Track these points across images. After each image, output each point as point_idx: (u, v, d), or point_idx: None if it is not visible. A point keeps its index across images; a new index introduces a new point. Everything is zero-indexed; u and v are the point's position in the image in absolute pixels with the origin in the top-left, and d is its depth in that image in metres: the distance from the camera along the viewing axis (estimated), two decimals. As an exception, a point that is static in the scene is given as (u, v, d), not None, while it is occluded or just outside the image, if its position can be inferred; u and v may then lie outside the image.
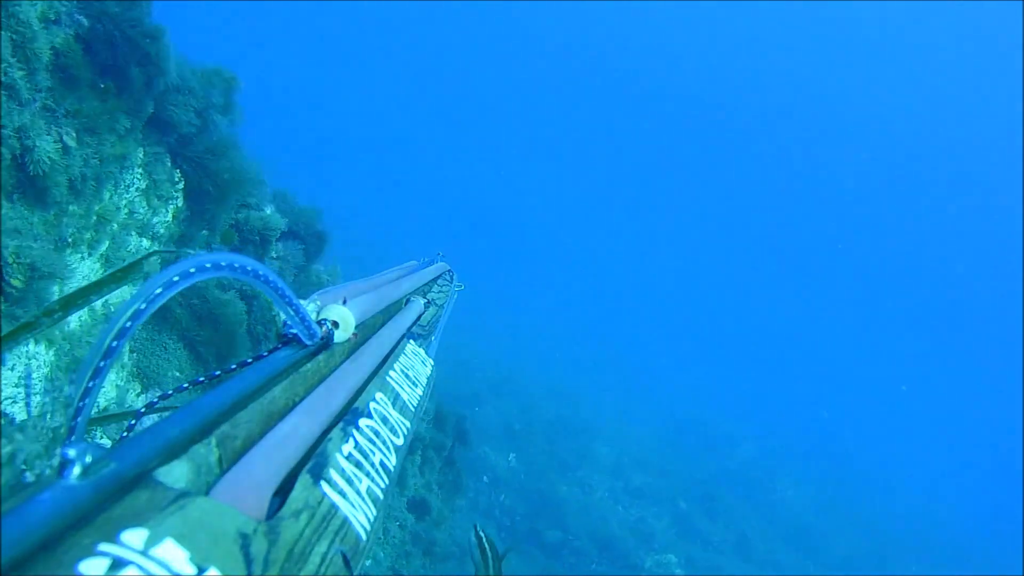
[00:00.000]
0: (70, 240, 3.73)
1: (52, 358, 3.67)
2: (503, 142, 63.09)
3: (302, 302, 1.08)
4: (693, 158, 67.65)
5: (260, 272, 0.85)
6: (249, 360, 1.01)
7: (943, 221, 64.76)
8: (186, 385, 1.03)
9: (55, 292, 3.42)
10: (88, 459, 0.60)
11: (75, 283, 3.81)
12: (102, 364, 0.66)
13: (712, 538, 14.93)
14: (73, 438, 0.65)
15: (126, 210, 4.25)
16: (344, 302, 1.25)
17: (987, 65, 58.40)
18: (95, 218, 3.94)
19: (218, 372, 1.06)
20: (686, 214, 64.81)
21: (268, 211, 5.69)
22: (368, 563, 6.56)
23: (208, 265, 0.74)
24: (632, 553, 12.20)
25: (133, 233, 4.33)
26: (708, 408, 25.67)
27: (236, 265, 0.79)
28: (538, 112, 66.83)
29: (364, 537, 0.84)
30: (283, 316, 1.05)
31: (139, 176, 4.33)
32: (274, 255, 5.81)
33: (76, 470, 0.59)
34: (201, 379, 1.07)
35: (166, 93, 4.26)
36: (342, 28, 58.49)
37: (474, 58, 66.53)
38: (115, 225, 4.14)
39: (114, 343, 0.66)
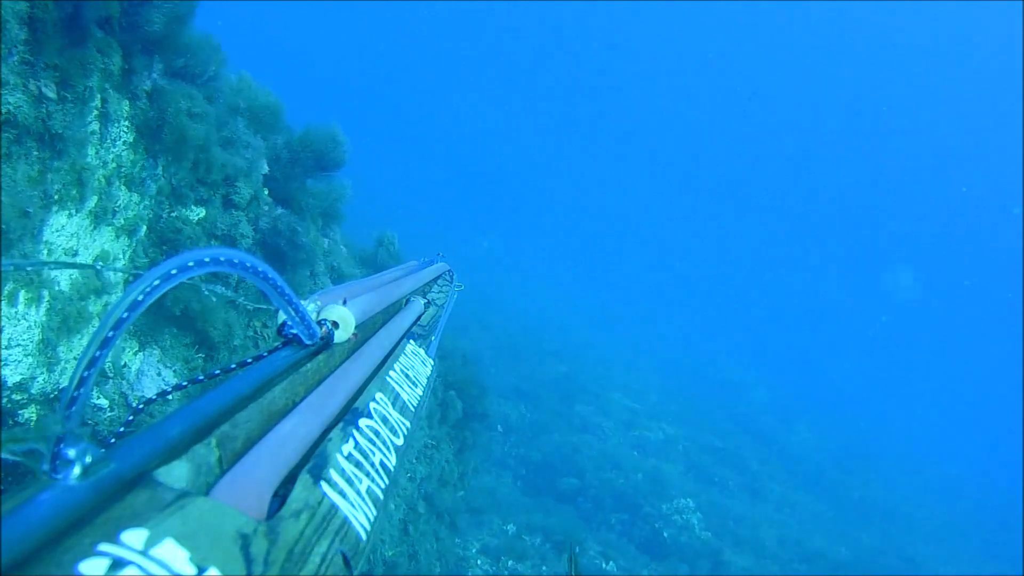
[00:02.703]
0: (56, 197, 3.66)
1: (43, 318, 3.64)
2: (512, 102, 62.99)
3: (302, 302, 1.08)
4: (699, 121, 67.39)
5: (260, 269, 0.84)
6: (249, 360, 1.01)
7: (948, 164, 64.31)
8: (186, 383, 1.03)
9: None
10: (88, 459, 0.60)
11: (63, 239, 3.77)
12: (98, 354, 0.66)
13: (728, 483, 15.07)
14: (70, 425, 0.65)
15: (113, 164, 4.13)
16: (344, 302, 1.24)
17: (987, 65, 57.49)
18: (80, 174, 3.84)
19: (218, 372, 1.06)
20: (698, 168, 64.81)
21: (264, 168, 5.57)
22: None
23: (207, 259, 0.73)
24: (648, 500, 12.32)
25: (121, 188, 4.22)
26: (721, 356, 25.78)
27: (236, 261, 0.78)
28: (550, 83, 66.55)
29: (364, 537, 0.84)
30: (283, 316, 1.04)
31: (125, 129, 4.19)
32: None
33: (76, 470, 0.59)
34: (201, 378, 1.07)
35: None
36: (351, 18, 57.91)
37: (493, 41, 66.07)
38: (102, 180, 4.04)
39: (110, 333, 0.66)
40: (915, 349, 45.49)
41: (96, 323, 4.06)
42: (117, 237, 4.26)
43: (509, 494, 11.31)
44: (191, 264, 0.71)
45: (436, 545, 7.72)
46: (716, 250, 54.04)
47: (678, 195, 62.53)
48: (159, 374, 4.43)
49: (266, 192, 5.59)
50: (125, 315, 0.67)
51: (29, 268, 3.52)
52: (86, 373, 0.66)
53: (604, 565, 10.33)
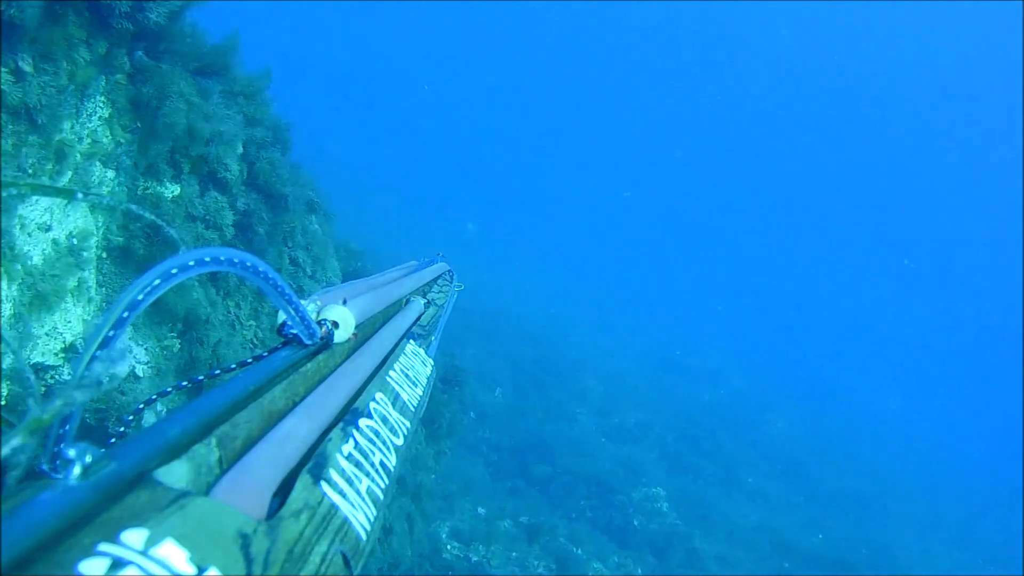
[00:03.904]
0: (30, 171, 3.60)
1: (16, 294, 3.58)
2: (494, 92, 62.85)
3: (302, 302, 1.08)
4: (682, 108, 67.64)
5: (261, 269, 0.84)
6: (249, 360, 1.01)
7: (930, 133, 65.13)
8: (185, 383, 1.02)
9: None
10: (88, 459, 0.60)
11: (36, 213, 3.72)
12: (99, 354, 0.66)
13: (701, 472, 15.21)
14: (68, 427, 0.65)
15: (89, 140, 4.07)
16: (344, 302, 1.24)
17: (987, 65, 58.03)
18: (56, 148, 3.78)
19: (218, 372, 1.06)
20: (674, 151, 64.86)
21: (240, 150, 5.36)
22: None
23: (207, 259, 0.73)
24: (620, 487, 12.40)
25: (97, 163, 4.16)
26: (695, 344, 25.97)
27: (236, 260, 0.78)
28: (533, 70, 66.33)
29: (364, 537, 0.84)
30: (283, 316, 1.04)
31: (102, 104, 4.13)
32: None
33: (76, 470, 0.59)
34: (201, 378, 1.07)
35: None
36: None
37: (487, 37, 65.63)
38: (77, 155, 3.98)
39: (111, 333, 0.66)
40: (894, 338, 46.04)
41: (71, 300, 4.02)
42: (92, 212, 4.21)
43: (481, 479, 11.35)
44: (191, 263, 0.71)
45: (408, 526, 7.73)
46: (697, 238, 54.28)
47: (661, 181, 62.47)
48: (130, 351, 4.37)
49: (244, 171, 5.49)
50: (125, 314, 0.67)
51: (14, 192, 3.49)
52: (86, 372, 0.66)
53: (574, 550, 10.42)
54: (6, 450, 0.58)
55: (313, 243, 6.36)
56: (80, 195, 4.11)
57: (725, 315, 35.48)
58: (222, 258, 0.75)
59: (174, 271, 0.70)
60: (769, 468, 16.92)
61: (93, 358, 0.64)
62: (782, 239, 58.45)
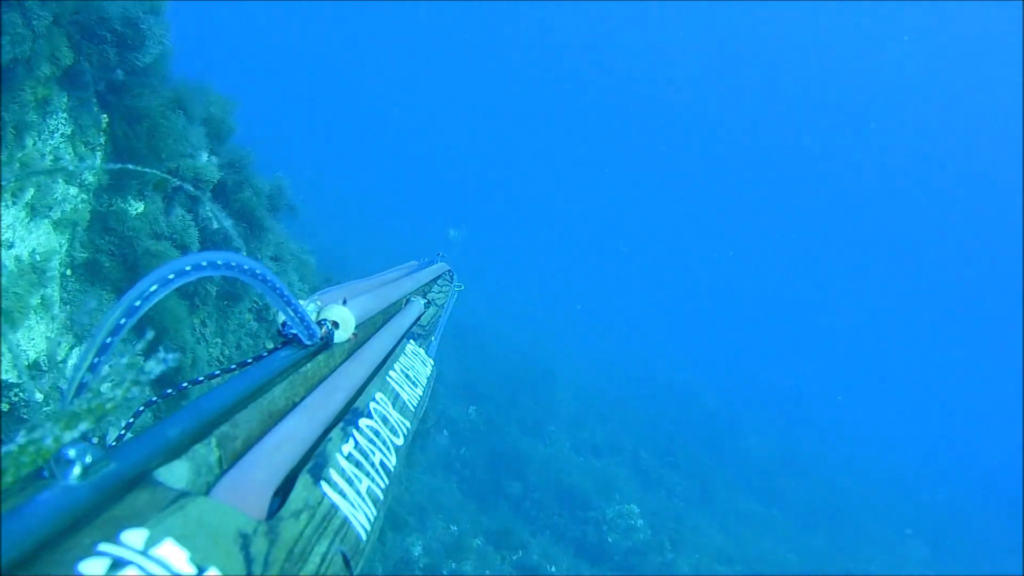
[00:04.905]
0: None
1: None
2: (475, 108, 62.50)
3: (302, 302, 1.08)
4: (665, 115, 67.48)
5: (258, 271, 0.85)
6: (249, 360, 1.01)
7: (897, 170, 65.83)
8: (185, 384, 1.02)
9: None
10: (88, 459, 0.60)
11: None
12: (96, 360, 0.66)
13: (675, 488, 15.23)
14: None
15: (51, 157, 4.06)
16: (344, 302, 1.24)
17: (987, 65, 58.72)
18: (18, 165, 3.77)
19: (218, 372, 1.05)
20: (652, 174, 64.84)
21: (204, 158, 5.26)
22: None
23: (204, 263, 0.73)
24: (593, 504, 12.39)
25: (59, 180, 4.15)
26: (669, 360, 26.02)
27: (233, 264, 0.78)
28: (515, 83, 66.12)
29: (364, 537, 0.84)
30: (282, 317, 1.04)
31: (64, 121, 4.13)
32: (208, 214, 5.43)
33: (76, 470, 0.59)
34: (200, 379, 1.06)
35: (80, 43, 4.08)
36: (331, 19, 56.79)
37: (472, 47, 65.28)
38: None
39: (108, 340, 0.66)
40: (869, 352, 46.36)
41: (34, 317, 3.96)
42: (55, 229, 4.17)
43: (453, 496, 11.28)
44: (188, 268, 0.72)
45: (378, 543, 7.66)
46: (677, 252, 54.21)
47: (643, 191, 62.14)
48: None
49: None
50: (122, 321, 0.67)
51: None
52: (85, 379, 0.66)
53: (548, 568, 10.38)
54: (75, 434, 0.58)
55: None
56: (71, 166, 4.12)
57: (701, 328, 35.67)
58: (219, 262, 0.76)
59: (171, 276, 0.70)
60: (744, 483, 17.00)
61: (93, 364, 0.65)
62: (761, 252, 58.51)
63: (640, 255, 49.13)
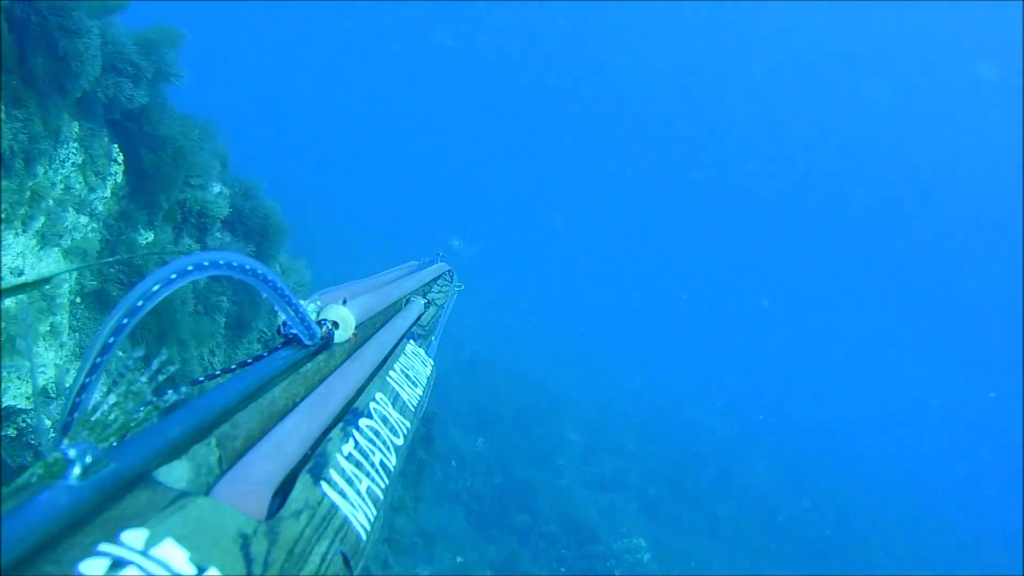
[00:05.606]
0: (3, 216, 3.63)
1: None
2: (477, 130, 62.67)
3: (302, 302, 1.08)
4: (665, 145, 67.37)
5: (259, 271, 0.85)
6: (249, 360, 1.01)
7: (893, 182, 65.52)
8: (184, 388, 1.02)
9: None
10: (88, 459, 0.59)
11: (9, 259, 3.72)
12: (99, 360, 0.66)
13: (682, 521, 15.09)
14: (69, 434, 0.65)
15: (62, 186, 4.12)
16: (344, 302, 1.25)
17: (987, 65, 58.62)
18: (29, 194, 3.82)
19: (218, 372, 1.06)
20: (656, 203, 64.83)
21: (216, 190, 5.29)
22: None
23: (206, 263, 0.74)
24: (601, 537, 12.28)
25: (70, 209, 4.19)
26: (676, 393, 25.91)
27: (235, 264, 0.79)
28: (517, 103, 66.11)
29: (364, 537, 0.84)
30: (283, 316, 1.05)
31: (75, 151, 4.19)
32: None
33: (76, 470, 0.58)
34: (201, 379, 1.07)
35: (96, 79, 4.13)
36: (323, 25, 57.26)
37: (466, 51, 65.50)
38: (50, 201, 4.02)
39: (110, 339, 0.66)
40: (881, 379, 46.05)
41: (43, 344, 3.98)
42: (65, 257, 4.21)
43: (460, 527, 11.22)
44: (190, 268, 0.72)
45: (384, 572, 7.61)
46: (680, 278, 54.16)
47: (658, 223, 62.15)
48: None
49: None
50: (124, 321, 0.67)
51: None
52: (87, 380, 0.66)
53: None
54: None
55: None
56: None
57: (708, 357, 35.55)
58: (220, 262, 0.76)
59: (173, 276, 0.70)
60: (750, 516, 16.82)
61: (95, 365, 0.65)
62: (765, 280, 58.31)
63: (652, 289, 49.14)
